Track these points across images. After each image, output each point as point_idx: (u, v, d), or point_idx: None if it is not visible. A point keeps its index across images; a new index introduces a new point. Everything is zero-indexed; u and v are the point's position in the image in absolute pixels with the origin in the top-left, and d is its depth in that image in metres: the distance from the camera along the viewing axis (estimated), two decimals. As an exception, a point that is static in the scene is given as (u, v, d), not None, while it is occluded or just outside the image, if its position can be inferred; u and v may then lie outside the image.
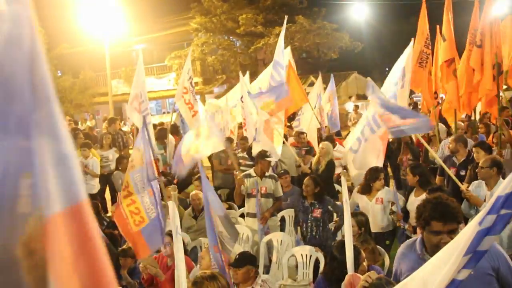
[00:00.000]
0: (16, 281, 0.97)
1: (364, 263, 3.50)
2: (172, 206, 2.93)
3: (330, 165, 7.79)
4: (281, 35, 9.35)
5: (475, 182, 5.31)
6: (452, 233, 2.67)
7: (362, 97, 27.60)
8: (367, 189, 6.00)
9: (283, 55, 9.34)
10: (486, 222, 1.76)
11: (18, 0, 1.00)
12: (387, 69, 36.28)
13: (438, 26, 9.62)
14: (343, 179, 2.86)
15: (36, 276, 0.98)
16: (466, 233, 1.83)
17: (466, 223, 5.48)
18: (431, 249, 2.74)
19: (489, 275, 2.63)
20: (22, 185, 0.98)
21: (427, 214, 2.75)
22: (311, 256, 5.62)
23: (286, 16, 10.15)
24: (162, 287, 4.89)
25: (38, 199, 0.99)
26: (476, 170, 5.19)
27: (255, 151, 7.65)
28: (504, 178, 5.21)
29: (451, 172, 6.68)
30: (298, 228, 6.19)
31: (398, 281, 3.04)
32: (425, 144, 6.51)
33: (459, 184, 5.16)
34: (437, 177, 6.94)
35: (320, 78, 12.78)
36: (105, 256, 1.07)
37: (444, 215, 2.70)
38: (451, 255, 1.86)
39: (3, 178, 0.98)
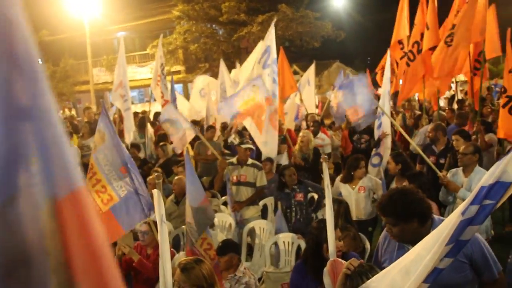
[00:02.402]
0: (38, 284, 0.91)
1: (341, 242, 3.49)
2: (157, 194, 2.90)
3: (317, 152, 8.09)
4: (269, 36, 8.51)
5: (452, 170, 5.39)
6: (391, 225, 2.77)
7: (345, 86, 27.70)
8: (348, 177, 6.06)
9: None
10: (469, 212, 1.78)
11: None
12: (369, 58, 36.52)
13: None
14: (324, 165, 2.87)
15: (58, 277, 0.92)
16: (449, 223, 1.85)
17: (445, 208, 5.62)
18: None
19: (461, 262, 2.66)
20: (31, 172, 0.92)
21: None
22: (293, 243, 5.67)
23: (274, 20, 9.32)
24: (141, 276, 4.85)
25: (47, 187, 0.93)
26: (458, 157, 5.25)
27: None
28: (480, 165, 5.31)
29: (430, 160, 6.79)
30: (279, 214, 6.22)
31: (378, 260, 3.11)
32: (407, 137, 6.56)
33: (437, 171, 5.24)
34: (417, 165, 7.03)
35: (313, 66, 12.85)
36: (106, 241, 1.04)
37: (379, 209, 2.91)
38: (433, 244, 1.88)
39: (10, 165, 0.90)
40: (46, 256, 0.90)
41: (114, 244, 5.17)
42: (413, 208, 2.73)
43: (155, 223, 4.42)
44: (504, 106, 6.85)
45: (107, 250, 1.03)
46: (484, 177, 1.79)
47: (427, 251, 1.90)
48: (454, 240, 1.81)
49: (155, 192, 2.95)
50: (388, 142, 7.88)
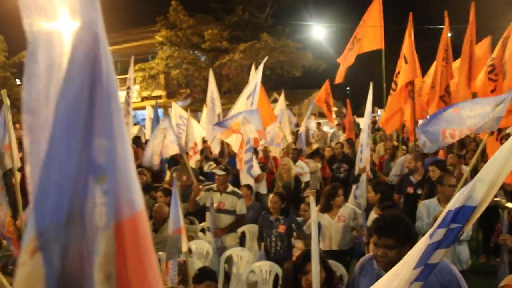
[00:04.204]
0: None
1: (322, 273, 3.47)
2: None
3: (298, 180, 8.13)
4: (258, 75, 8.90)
5: (428, 200, 5.48)
6: (389, 248, 2.75)
7: (324, 114, 28.03)
8: (327, 207, 6.03)
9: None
10: (436, 236, 1.82)
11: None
12: (348, 88, 37.19)
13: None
14: (311, 199, 2.79)
15: None
16: (418, 247, 1.90)
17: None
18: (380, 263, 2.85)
19: None
20: (96, 191, 0.87)
21: (371, 226, 2.88)
22: (270, 271, 5.63)
23: (264, 60, 9.55)
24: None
25: (111, 209, 0.89)
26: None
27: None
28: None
29: (408, 190, 6.91)
30: (262, 244, 6.17)
31: None
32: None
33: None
34: (395, 195, 7.11)
35: (283, 95, 12.99)
36: (157, 270, 1.00)
37: (379, 229, 2.82)
38: (403, 269, 1.92)
39: (76, 183, 0.86)
40: (102, 282, 0.86)
41: None
42: (412, 230, 2.81)
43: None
44: None
45: (159, 279, 1.00)
46: (450, 202, 1.85)
47: (396, 275, 1.93)
48: (422, 263, 1.84)
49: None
50: (364, 176, 7.76)
